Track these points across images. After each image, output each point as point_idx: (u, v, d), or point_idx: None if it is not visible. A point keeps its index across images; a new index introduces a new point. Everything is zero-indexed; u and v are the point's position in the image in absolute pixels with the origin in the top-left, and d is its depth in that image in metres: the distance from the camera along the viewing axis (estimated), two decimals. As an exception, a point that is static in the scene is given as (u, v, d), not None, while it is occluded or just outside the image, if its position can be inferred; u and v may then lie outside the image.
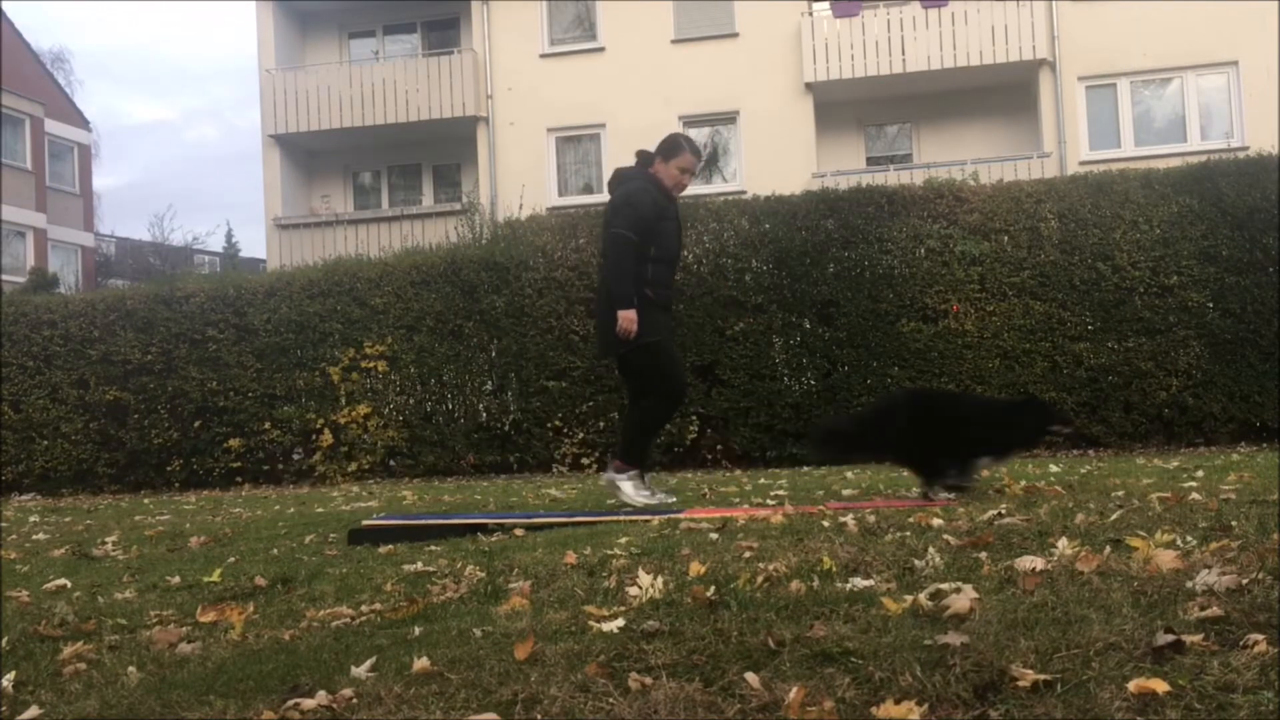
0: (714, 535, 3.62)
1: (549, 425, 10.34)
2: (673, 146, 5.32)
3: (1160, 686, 1.58)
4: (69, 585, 3.72)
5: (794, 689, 1.69)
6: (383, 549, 4.10)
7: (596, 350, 6.36)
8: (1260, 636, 1.76)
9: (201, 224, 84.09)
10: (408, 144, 20.17)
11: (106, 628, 2.82)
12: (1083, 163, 16.57)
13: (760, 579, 2.58)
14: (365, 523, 4.79)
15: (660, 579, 2.60)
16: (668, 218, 5.31)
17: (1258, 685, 1.58)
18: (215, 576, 3.59)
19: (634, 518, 4.47)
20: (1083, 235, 9.78)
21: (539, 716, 1.73)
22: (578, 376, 10.32)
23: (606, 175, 18.36)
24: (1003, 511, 3.59)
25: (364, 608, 2.81)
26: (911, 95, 18.46)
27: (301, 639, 2.49)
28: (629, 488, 5.10)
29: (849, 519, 3.67)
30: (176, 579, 3.70)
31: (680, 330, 10.16)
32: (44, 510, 8.49)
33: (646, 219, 5.16)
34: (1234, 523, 2.99)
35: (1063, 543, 2.73)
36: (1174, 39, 17.00)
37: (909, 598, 2.24)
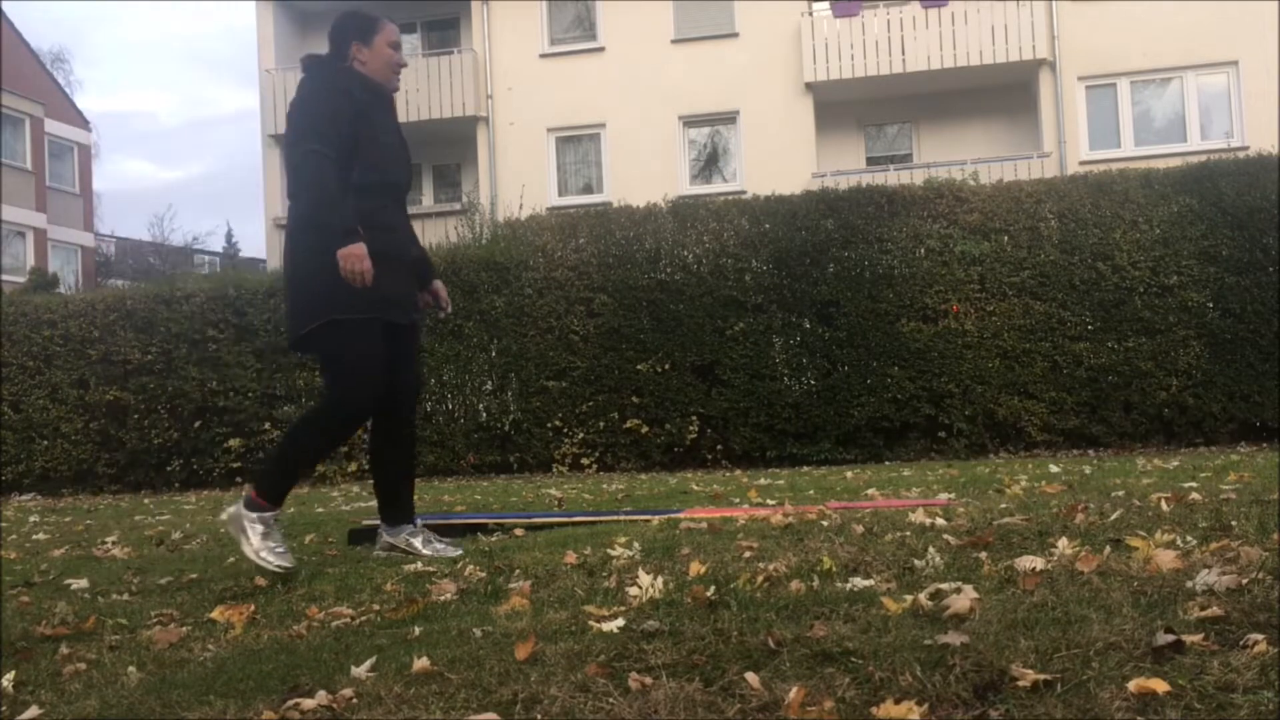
0: (713, 535, 3.61)
1: (549, 425, 10.34)
2: (367, 21, 3.78)
3: (1160, 686, 1.58)
4: (69, 585, 3.72)
5: (794, 689, 1.69)
6: (383, 549, 4.10)
7: (288, 331, 3.82)
8: (1260, 636, 1.76)
9: (202, 224, 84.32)
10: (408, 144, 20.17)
11: (106, 628, 2.82)
12: (1083, 162, 16.58)
13: (760, 579, 2.58)
14: (365, 523, 4.78)
15: (660, 579, 2.60)
16: (384, 126, 3.78)
17: (1258, 685, 1.58)
18: (216, 577, 3.59)
19: (634, 518, 4.46)
20: (1083, 235, 9.78)
21: (539, 716, 1.73)
22: (578, 376, 10.32)
23: (607, 175, 18.56)
24: (1002, 511, 3.58)
25: (364, 608, 2.81)
26: (911, 95, 18.47)
27: (301, 639, 2.49)
28: (256, 538, 3.46)
29: (849, 519, 3.67)
30: (176, 579, 3.70)
31: (680, 330, 10.16)
32: (44, 510, 8.50)
33: (345, 128, 3.60)
34: (1234, 523, 2.99)
35: (1063, 543, 2.73)
36: (1174, 39, 17.01)
37: (909, 598, 2.24)
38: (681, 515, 4.27)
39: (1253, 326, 9.45)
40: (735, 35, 18.64)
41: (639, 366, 10.16)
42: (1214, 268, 9.57)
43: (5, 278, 23.23)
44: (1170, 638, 1.77)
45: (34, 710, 2.02)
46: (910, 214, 10.05)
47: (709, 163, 19.11)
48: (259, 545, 3.45)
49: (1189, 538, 2.76)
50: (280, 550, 3.48)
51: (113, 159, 74.09)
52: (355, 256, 3.44)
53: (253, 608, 2.91)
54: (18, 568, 4.38)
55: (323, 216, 3.50)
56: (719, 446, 10.12)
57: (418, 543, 3.85)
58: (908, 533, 3.22)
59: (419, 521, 4.03)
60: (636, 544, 3.45)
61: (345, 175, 3.57)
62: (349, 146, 3.59)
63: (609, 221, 10.63)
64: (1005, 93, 18.22)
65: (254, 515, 3.49)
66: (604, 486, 7.52)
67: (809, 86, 18.16)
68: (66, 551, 4.89)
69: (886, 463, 9.44)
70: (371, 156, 3.69)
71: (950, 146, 18.13)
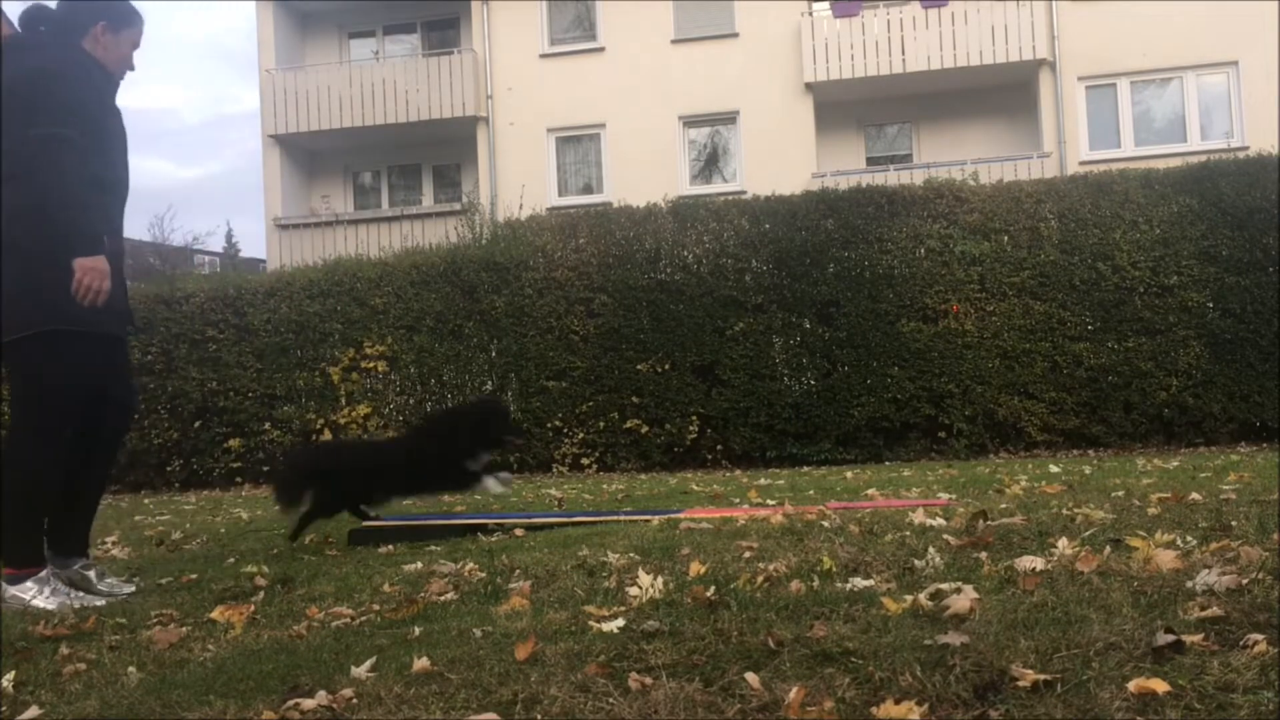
0: (714, 535, 3.61)
1: (549, 425, 10.34)
2: (125, 11, 3.52)
3: (1160, 686, 1.58)
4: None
5: (794, 689, 1.69)
6: (383, 549, 4.11)
7: None
8: (1260, 636, 1.76)
9: (202, 224, 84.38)
10: (408, 144, 20.16)
11: (106, 628, 2.82)
12: (1083, 163, 16.57)
13: (760, 579, 2.58)
14: (365, 523, 4.78)
15: (660, 579, 2.60)
16: (114, 115, 3.48)
17: (1258, 685, 1.58)
18: (215, 577, 3.59)
19: (634, 518, 4.45)
20: (1083, 235, 9.79)
21: (539, 716, 1.73)
22: (578, 376, 10.32)
23: (607, 175, 18.55)
24: (1001, 510, 3.58)
25: (364, 608, 2.81)
26: (911, 95, 18.46)
27: (301, 639, 2.49)
28: (37, 597, 3.23)
29: (849, 519, 3.67)
30: (176, 579, 3.70)
31: (680, 330, 10.16)
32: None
33: (92, 114, 3.33)
34: (1234, 523, 2.99)
35: (1063, 543, 2.73)
36: (1174, 39, 17.00)
37: (909, 598, 2.24)
38: (681, 515, 4.27)
39: (1253, 326, 9.45)
40: (735, 35, 18.62)
41: (639, 366, 10.16)
42: (1214, 268, 9.57)
43: (5, 278, 23.21)
44: (1170, 638, 1.77)
45: (34, 710, 2.02)
46: (910, 214, 10.05)
47: (709, 163, 19.10)
48: (47, 601, 3.23)
49: (1189, 538, 2.76)
50: (66, 594, 3.29)
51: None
52: (97, 271, 3.16)
53: (253, 608, 2.91)
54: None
55: (68, 215, 3.16)
56: (719, 446, 10.12)
57: (92, 575, 3.50)
58: (908, 533, 3.22)
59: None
60: (636, 544, 3.45)
61: (88, 169, 3.26)
62: (95, 136, 3.31)
63: (609, 222, 10.64)
64: (1005, 93, 18.21)
65: (28, 583, 3.25)
66: (604, 486, 7.52)
67: (809, 86, 18.15)
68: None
69: (886, 463, 9.44)
70: (109, 151, 3.42)
71: (950, 146, 18.12)
